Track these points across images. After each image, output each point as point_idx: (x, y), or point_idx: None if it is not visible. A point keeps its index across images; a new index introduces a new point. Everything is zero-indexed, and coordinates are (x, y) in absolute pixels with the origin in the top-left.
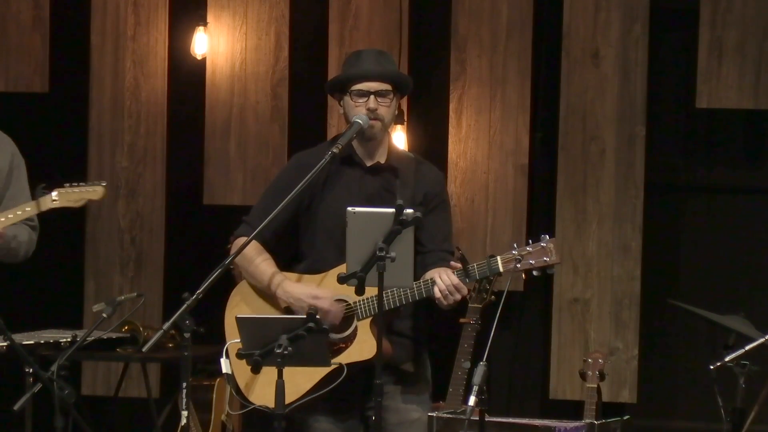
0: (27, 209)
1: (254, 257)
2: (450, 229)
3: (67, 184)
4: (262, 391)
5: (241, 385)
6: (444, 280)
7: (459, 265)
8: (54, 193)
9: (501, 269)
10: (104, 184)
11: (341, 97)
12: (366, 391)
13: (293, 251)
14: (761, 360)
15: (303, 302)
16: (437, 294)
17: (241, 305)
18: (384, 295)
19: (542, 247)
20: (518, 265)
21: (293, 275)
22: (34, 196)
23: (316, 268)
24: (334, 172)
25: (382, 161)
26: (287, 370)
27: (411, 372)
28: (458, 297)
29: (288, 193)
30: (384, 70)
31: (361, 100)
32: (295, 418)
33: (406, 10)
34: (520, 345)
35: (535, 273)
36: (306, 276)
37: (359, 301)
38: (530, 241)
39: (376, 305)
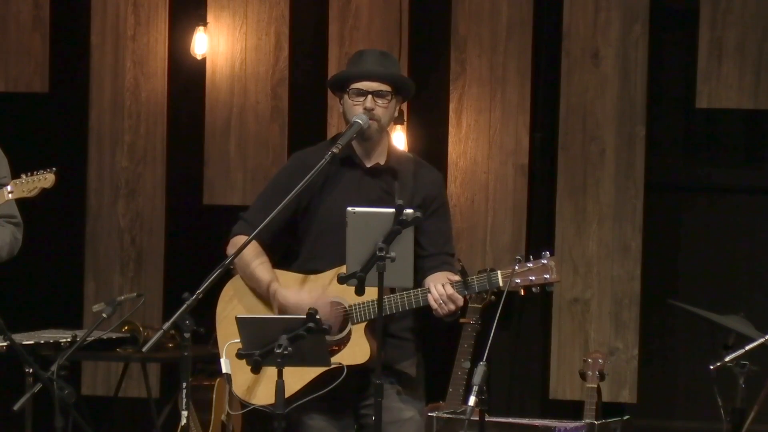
0: None
1: (251, 260)
2: (450, 231)
3: (23, 175)
4: (257, 391)
5: (239, 384)
6: (438, 290)
7: (457, 277)
8: (9, 186)
9: (501, 284)
10: (54, 170)
11: (341, 95)
12: (360, 390)
13: (287, 249)
14: (761, 360)
15: (299, 312)
16: (431, 303)
17: (234, 301)
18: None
19: (543, 264)
20: (518, 281)
21: (294, 275)
22: None
23: (312, 267)
24: (334, 172)
25: (382, 162)
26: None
27: (405, 372)
28: (452, 307)
29: (287, 192)
30: (384, 71)
31: (359, 99)
32: (290, 416)
33: (406, 10)
34: (520, 345)
35: (534, 290)
36: (312, 277)
37: (355, 305)
38: (531, 257)
39: (371, 310)
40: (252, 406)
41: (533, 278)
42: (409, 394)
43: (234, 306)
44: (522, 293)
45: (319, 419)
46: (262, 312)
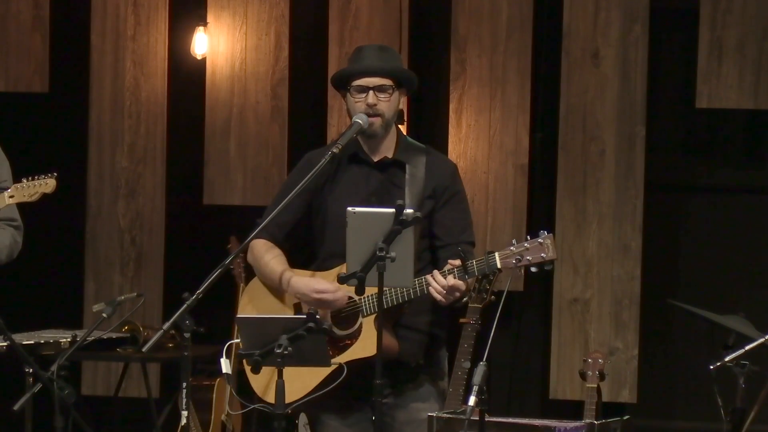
0: None
1: (263, 255)
2: (467, 219)
3: (24, 179)
4: (268, 390)
5: (255, 383)
6: (438, 281)
7: (458, 262)
8: (9, 191)
9: (499, 265)
10: (55, 175)
11: (344, 93)
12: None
13: (308, 251)
14: (761, 360)
15: (307, 297)
16: (434, 295)
17: (249, 306)
18: (386, 292)
19: (539, 243)
20: (516, 261)
21: (306, 272)
22: None
23: (327, 265)
24: (342, 170)
25: (390, 156)
26: (294, 368)
27: (423, 369)
28: (457, 295)
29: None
30: (384, 65)
31: (360, 96)
32: (308, 413)
33: (406, 10)
34: (520, 345)
35: (532, 269)
36: (318, 273)
37: (365, 298)
38: (528, 237)
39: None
40: (251, 407)
41: (530, 257)
42: (424, 392)
43: (248, 308)
44: (521, 273)
45: (336, 418)
46: (277, 310)
